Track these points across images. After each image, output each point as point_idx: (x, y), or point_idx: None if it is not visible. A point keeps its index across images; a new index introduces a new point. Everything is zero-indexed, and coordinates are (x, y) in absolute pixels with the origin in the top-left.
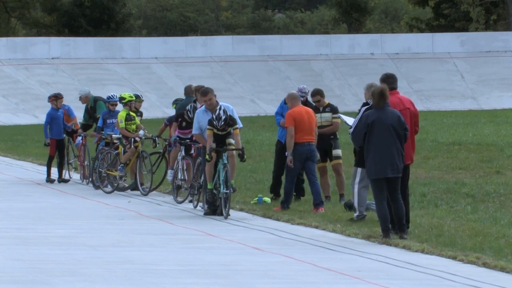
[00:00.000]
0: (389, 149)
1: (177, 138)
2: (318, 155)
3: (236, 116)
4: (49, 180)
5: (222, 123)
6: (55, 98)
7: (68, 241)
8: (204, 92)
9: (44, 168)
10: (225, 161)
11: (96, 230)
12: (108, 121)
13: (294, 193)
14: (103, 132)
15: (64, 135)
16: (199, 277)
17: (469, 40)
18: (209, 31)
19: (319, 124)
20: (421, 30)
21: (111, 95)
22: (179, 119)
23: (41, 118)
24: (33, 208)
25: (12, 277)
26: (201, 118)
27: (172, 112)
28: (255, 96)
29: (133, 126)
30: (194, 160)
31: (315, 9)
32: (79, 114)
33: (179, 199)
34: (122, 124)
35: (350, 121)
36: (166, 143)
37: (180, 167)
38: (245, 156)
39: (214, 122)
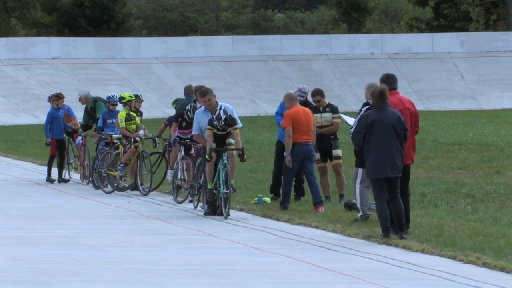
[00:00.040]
0: (389, 149)
1: (177, 138)
2: (316, 155)
3: (235, 116)
4: (50, 180)
5: (223, 123)
6: (57, 98)
7: (68, 241)
8: (203, 93)
9: (44, 168)
10: (225, 161)
11: (96, 230)
12: (108, 121)
13: (294, 193)
14: (103, 132)
15: (64, 135)
16: (199, 277)
17: (469, 40)
18: (209, 31)
19: (319, 124)
20: (421, 30)
21: (111, 95)
22: (179, 119)
23: (41, 118)
24: (33, 208)
25: (12, 277)
26: (200, 118)
27: (172, 112)
28: (255, 96)
29: (133, 126)
30: (194, 160)
31: (315, 9)
32: (79, 114)
33: (179, 199)
34: (123, 124)
35: (351, 120)
36: (166, 143)
37: (180, 167)
38: (245, 156)
39: (214, 122)
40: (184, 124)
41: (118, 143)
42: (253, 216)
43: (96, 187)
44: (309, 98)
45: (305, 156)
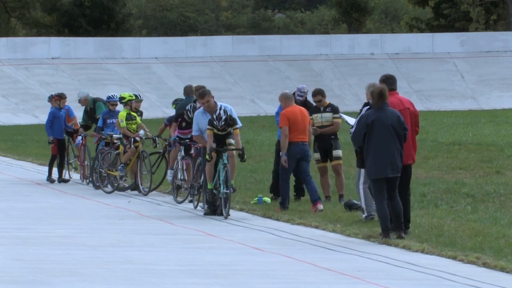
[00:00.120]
0: (389, 149)
1: (177, 138)
2: (316, 155)
3: (235, 116)
4: (50, 179)
5: (223, 123)
6: (59, 97)
7: (68, 241)
8: (201, 95)
9: (44, 168)
10: (225, 161)
11: (96, 230)
12: (108, 121)
13: (294, 193)
14: (103, 132)
15: (64, 135)
16: (199, 277)
17: (469, 40)
18: (209, 31)
19: (319, 124)
20: (421, 30)
21: (111, 95)
22: (179, 119)
23: (41, 118)
24: (33, 208)
25: (12, 277)
26: (200, 119)
27: (172, 112)
28: (255, 96)
29: (134, 126)
30: (194, 160)
31: (315, 9)
32: (78, 115)
33: (179, 199)
34: (123, 124)
35: (352, 120)
36: (166, 143)
37: (179, 167)
38: (245, 156)
39: (215, 122)
40: (184, 124)
41: (119, 143)
42: (253, 216)
43: (96, 187)
44: (309, 98)
45: (301, 155)
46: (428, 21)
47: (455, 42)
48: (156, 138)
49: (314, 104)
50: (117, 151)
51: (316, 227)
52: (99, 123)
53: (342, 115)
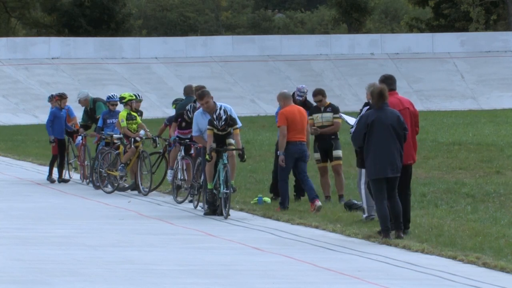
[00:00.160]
0: (389, 149)
1: (177, 138)
2: (316, 155)
3: (235, 116)
4: (50, 179)
5: (223, 123)
6: (60, 98)
7: (68, 241)
8: (200, 96)
9: (44, 168)
10: (225, 161)
11: (96, 230)
12: (108, 121)
13: (294, 193)
14: (103, 132)
15: (64, 135)
16: (199, 277)
17: (469, 40)
18: (209, 31)
19: (320, 124)
20: (421, 30)
21: (111, 95)
22: (179, 119)
23: (41, 118)
24: (33, 208)
25: (12, 277)
26: (199, 120)
27: (172, 112)
28: (255, 96)
29: (134, 126)
30: (193, 160)
31: (315, 9)
32: (78, 114)
33: (179, 199)
34: (124, 123)
35: (352, 120)
36: (166, 143)
37: (179, 167)
38: (245, 156)
39: (215, 122)
40: (183, 124)
41: (119, 143)
42: (253, 216)
43: (96, 187)
44: (309, 98)
45: (299, 155)
46: (428, 21)
47: (455, 42)
48: (156, 138)
49: (314, 104)
50: (117, 151)
51: (316, 227)
52: (99, 123)
53: (342, 115)
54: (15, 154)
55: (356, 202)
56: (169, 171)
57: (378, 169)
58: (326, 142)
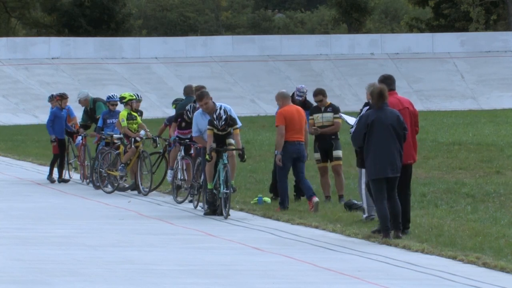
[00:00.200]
0: (389, 149)
1: (177, 138)
2: (316, 155)
3: (234, 116)
4: (51, 178)
5: (223, 122)
6: (61, 98)
7: (68, 241)
8: (199, 97)
9: (44, 168)
10: (225, 161)
11: (96, 230)
12: (108, 121)
13: (294, 193)
14: (103, 132)
15: (65, 135)
16: (199, 277)
17: (469, 40)
18: (209, 31)
19: (320, 124)
20: (421, 30)
21: (111, 95)
22: (179, 119)
23: (41, 118)
24: (33, 208)
25: (12, 277)
26: (199, 120)
27: (172, 112)
28: (255, 96)
29: (135, 126)
30: (193, 160)
31: (315, 9)
32: (78, 114)
33: (179, 199)
34: (124, 123)
35: (352, 120)
36: (166, 143)
37: (179, 167)
38: (245, 156)
39: (215, 122)
40: (183, 124)
41: (119, 143)
42: (253, 216)
43: (96, 187)
44: (308, 98)
45: (297, 155)
46: (428, 21)
47: (455, 42)
48: (157, 138)
49: (314, 104)
50: (117, 151)
51: (316, 227)
52: (99, 123)
53: (342, 115)
54: (15, 154)
55: (356, 202)
56: (169, 171)
57: (378, 169)
58: (326, 142)
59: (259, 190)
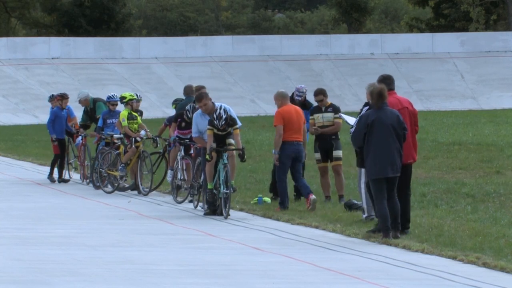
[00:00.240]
0: (389, 149)
1: (177, 138)
2: (316, 155)
3: (234, 116)
4: (51, 178)
5: (223, 122)
6: (61, 98)
7: (68, 241)
8: (198, 98)
9: (44, 168)
10: (225, 161)
11: (96, 230)
12: (108, 121)
13: (294, 193)
14: (103, 132)
15: (65, 135)
16: (199, 277)
17: (469, 40)
18: (209, 31)
19: (320, 124)
20: (421, 30)
21: (112, 95)
22: (178, 119)
23: (41, 118)
24: (33, 208)
25: (12, 277)
26: (199, 121)
27: (172, 112)
28: (255, 96)
29: (135, 126)
30: (193, 160)
31: (315, 9)
32: (78, 114)
33: (179, 199)
34: (125, 123)
35: (351, 120)
36: (166, 143)
37: (179, 167)
38: (245, 156)
39: (215, 122)
40: (183, 124)
41: (119, 143)
42: (253, 216)
43: (96, 187)
44: (308, 98)
45: (295, 155)
46: (428, 21)
47: (455, 42)
48: (157, 138)
49: (313, 103)
50: (117, 151)
51: (316, 227)
52: (99, 123)
53: (342, 115)
54: (15, 154)
55: (356, 202)
56: (169, 172)
57: (378, 169)
58: (326, 142)
59: (259, 190)
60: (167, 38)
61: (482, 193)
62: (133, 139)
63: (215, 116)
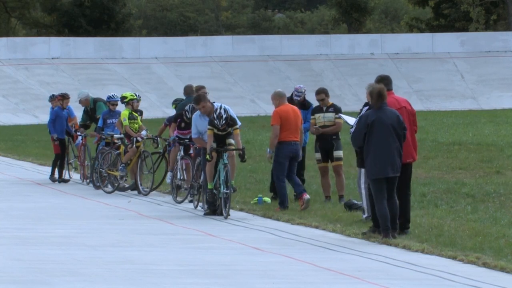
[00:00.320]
0: (389, 149)
1: (176, 138)
2: (317, 155)
3: (234, 116)
4: (52, 178)
5: (223, 122)
6: (62, 98)
7: (68, 241)
8: (196, 100)
9: (44, 168)
10: (226, 161)
11: (96, 230)
12: (109, 121)
13: (294, 193)
14: (103, 132)
15: (65, 135)
16: (199, 277)
17: (469, 40)
18: (209, 31)
19: (321, 124)
20: (421, 30)
21: (112, 95)
22: (178, 120)
23: (41, 118)
24: (33, 208)
25: (12, 277)
26: (198, 122)
27: (172, 112)
28: (255, 96)
29: (136, 126)
30: (193, 160)
31: (315, 9)
32: (78, 114)
33: (179, 199)
34: (126, 122)
35: (351, 120)
36: (166, 143)
37: (179, 167)
38: (245, 157)
39: (215, 122)
40: (183, 124)
41: (119, 143)
42: (253, 216)
43: (96, 187)
44: (307, 98)
45: (293, 155)
46: (428, 21)
47: (455, 42)
48: (157, 138)
49: (313, 103)
50: (117, 151)
51: (316, 227)
52: (99, 123)
53: (342, 115)
54: (15, 154)
55: (356, 202)
56: (168, 174)
57: (379, 169)
58: (327, 142)
59: (259, 190)
60: (167, 38)
61: (482, 193)
62: (134, 139)
63: (215, 115)
